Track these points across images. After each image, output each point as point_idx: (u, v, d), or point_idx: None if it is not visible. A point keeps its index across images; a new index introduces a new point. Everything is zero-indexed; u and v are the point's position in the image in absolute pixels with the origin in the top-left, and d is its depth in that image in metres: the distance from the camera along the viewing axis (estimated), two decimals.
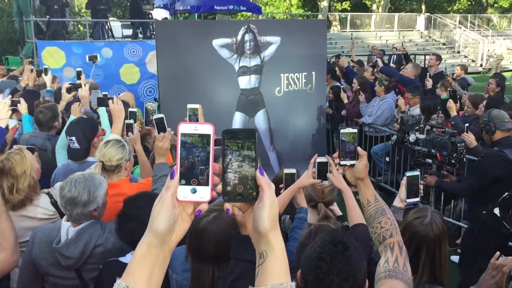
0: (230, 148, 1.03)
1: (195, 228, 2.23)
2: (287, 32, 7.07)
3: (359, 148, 1.95)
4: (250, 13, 23.06)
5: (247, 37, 6.70)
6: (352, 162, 1.95)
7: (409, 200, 2.77)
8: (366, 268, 1.77)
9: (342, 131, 1.98)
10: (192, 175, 1.02)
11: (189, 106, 3.18)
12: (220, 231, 2.15)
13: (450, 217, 6.31)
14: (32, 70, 7.55)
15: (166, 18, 16.21)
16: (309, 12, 34.27)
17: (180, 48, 6.44)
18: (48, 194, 3.14)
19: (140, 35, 12.95)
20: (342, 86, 8.64)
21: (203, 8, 18.89)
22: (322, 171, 2.69)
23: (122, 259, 2.41)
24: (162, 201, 1.02)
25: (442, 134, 4.71)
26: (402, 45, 11.95)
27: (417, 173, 2.91)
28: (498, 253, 2.34)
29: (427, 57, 9.80)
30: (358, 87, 7.89)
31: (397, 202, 2.78)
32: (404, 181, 2.82)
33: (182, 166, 1.02)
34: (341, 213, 3.23)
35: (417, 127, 5.15)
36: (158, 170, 3.04)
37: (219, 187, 1.04)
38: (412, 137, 4.90)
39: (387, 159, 7.33)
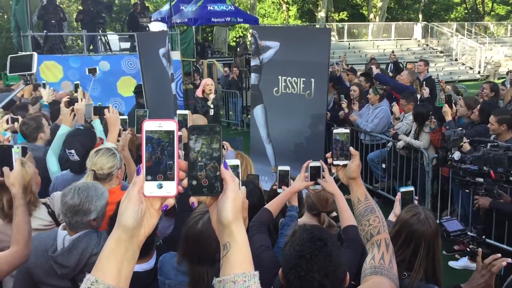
0: (196, 143, 1.05)
1: (192, 232, 2.23)
2: (288, 39, 7.42)
3: (351, 148, 1.97)
4: (248, 25, 23.25)
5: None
6: (345, 162, 1.97)
7: None
8: (346, 263, 1.79)
9: (334, 131, 1.99)
10: (157, 171, 1.04)
11: (179, 112, 3.25)
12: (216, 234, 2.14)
13: None
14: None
15: (162, 30, 16.32)
16: (307, 23, 34.48)
17: (157, 59, 7.20)
18: (45, 204, 3.13)
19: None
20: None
21: (200, 21, 19.07)
22: (315, 175, 2.73)
23: None
24: (129, 197, 1.04)
25: (495, 148, 4.15)
26: (393, 52, 11.87)
27: (411, 188, 2.94)
28: (480, 250, 2.35)
29: (416, 64, 9.86)
30: (358, 95, 7.94)
31: (392, 217, 2.80)
32: (398, 197, 2.84)
33: (147, 162, 1.04)
34: (335, 214, 3.27)
35: (462, 143, 4.67)
36: None
37: (185, 182, 1.06)
38: (456, 155, 4.31)
39: (384, 165, 7.33)
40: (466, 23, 32.33)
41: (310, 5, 34.36)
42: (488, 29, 34.30)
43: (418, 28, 30.24)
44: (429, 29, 29.79)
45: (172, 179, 1.04)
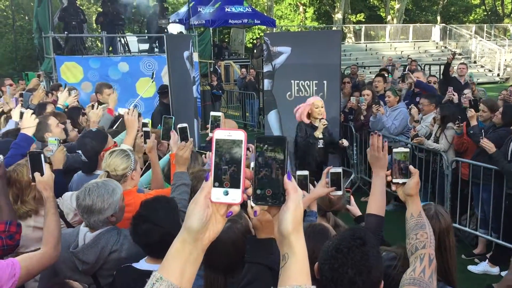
0: (261, 154, 1.09)
1: None
2: (298, 43, 7.50)
3: (411, 167, 2.06)
4: (265, 27, 23.29)
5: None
6: (404, 180, 2.08)
7: None
8: (383, 268, 1.78)
9: (395, 150, 2.10)
10: (225, 178, 1.08)
11: (212, 113, 3.27)
12: (232, 242, 2.16)
13: (467, 226, 6.24)
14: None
15: (181, 32, 16.43)
16: (324, 25, 34.41)
17: (182, 61, 7.38)
18: None
19: (156, 49, 13.13)
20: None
21: (218, 22, 19.17)
22: (335, 181, 2.79)
23: (135, 265, 2.43)
24: (196, 201, 1.09)
25: None
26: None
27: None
28: None
29: (456, 67, 9.79)
30: (370, 99, 7.88)
31: None
32: None
33: (216, 169, 1.08)
34: (360, 213, 3.34)
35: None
36: (177, 178, 3.04)
37: (250, 190, 1.10)
38: None
39: None
40: (485, 25, 31.96)
41: (327, 7, 34.29)
42: (508, 31, 33.86)
43: (436, 30, 30.00)
44: (448, 31, 29.53)
45: (238, 187, 1.07)
